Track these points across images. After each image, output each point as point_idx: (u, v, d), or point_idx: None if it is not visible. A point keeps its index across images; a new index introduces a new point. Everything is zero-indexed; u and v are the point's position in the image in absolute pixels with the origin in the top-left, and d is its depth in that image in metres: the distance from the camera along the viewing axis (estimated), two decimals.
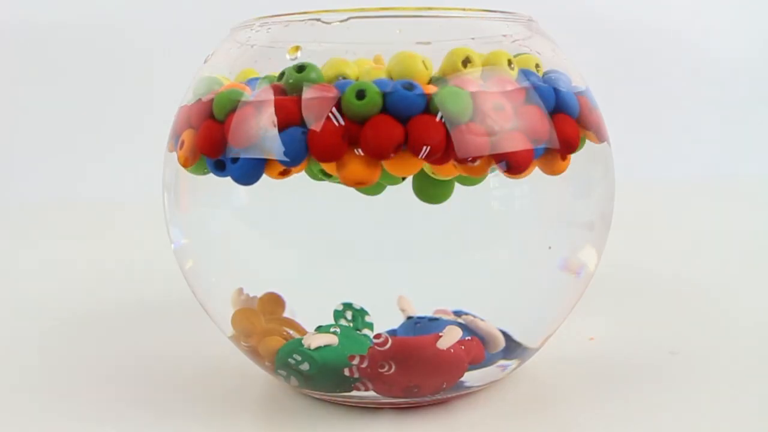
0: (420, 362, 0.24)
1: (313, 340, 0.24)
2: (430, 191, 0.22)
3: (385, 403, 0.25)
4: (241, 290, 0.25)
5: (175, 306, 0.38)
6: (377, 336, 0.24)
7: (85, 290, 0.43)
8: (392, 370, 0.23)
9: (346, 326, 0.25)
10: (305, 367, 0.24)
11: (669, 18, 0.90)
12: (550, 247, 0.24)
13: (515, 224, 0.24)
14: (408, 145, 0.21)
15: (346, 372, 0.24)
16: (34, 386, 0.29)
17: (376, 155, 0.21)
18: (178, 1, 0.82)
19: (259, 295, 0.25)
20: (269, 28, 0.25)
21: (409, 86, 0.21)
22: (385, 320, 0.25)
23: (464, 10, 0.24)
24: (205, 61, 0.26)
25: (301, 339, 0.24)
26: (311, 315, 0.25)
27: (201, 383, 0.29)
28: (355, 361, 0.24)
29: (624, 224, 0.35)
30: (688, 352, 0.30)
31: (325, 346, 0.24)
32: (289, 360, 0.24)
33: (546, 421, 0.25)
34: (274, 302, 0.26)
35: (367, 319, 0.25)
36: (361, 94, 0.21)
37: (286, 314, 0.26)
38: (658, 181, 0.77)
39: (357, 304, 0.25)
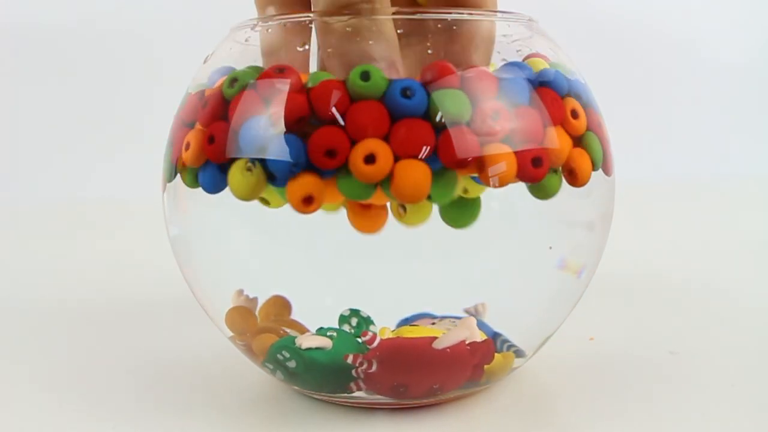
0: (407, 362, 0.24)
1: (306, 341, 0.24)
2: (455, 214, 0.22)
3: (383, 403, 0.25)
4: (240, 291, 0.25)
5: (174, 306, 0.38)
6: (364, 333, 0.24)
7: (82, 290, 0.43)
8: (373, 368, 0.23)
9: (344, 331, 0.25)
10: (292, 364, 0.24)
11: (669, 18, 0.90)
12: (550, 247, 0.24)
13: (515, 224, 0.24)
14: (390, 141, 0.21)
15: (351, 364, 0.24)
16: (34, 386, 0.29)
17: (357, 135, 0.21)
18: (179, 1, 0.82)
19: (259, 295, 0.25)
20: (269, 28, 0.25)
21: (409, 89, 0.21)
22: (384, 320, 0.25)
23: (465, 10, 0.24)
24: (205, 61, 0.26)
25: (295, 337, 0.24)
26: (312, 315, 0.25)
27: (200, 383, 0.29)
28: (349, 360, 0.24)
29: (624, 224, 0.35)
30: (688, 352, 0.30)
31: (317, 348, 0.24)
32: (278, 356, 0.24)
33: (546, 421, 0.25)
34: (280, 305, 0.26)
35: (372, 328, 0.25)
36: (365, 76, 0.21)
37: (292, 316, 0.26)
38: (658, 181, 0.77)
39: (364, 312, 0.25)
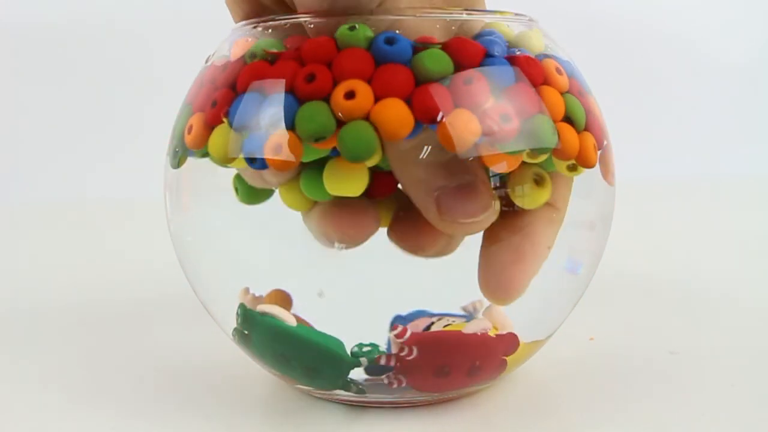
0: (446, 343, 0.24)
1: (266, 308, 0.25)
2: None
3: (384, 402, 0.25)
4: (247, 290, 0.25)
5: (176, 306, 0.38)
6: (394, 327, 0.24)
7: (84, 290, 0.43)
8: (414, 354, 0.24)
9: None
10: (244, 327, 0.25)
11: (669, 18, 0.91)
12: (549, 247, 0.24)
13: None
14: (372, 84, 0.21)
15: (382, 361, 0.24)
16: (35, 386, 0.29)
17: (341, 77, 0.21)
18: (180, 1, 0.82)
19: (263, 294, 0.25)
20: (270, 29, 0.25)
21: (393, 38, 0.21)
22: (383, 318, 0.25)
23: (464, 10, 0.24)
24: (207, 61, 0.26)
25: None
26: (314, 314, 0.25)
27: (201, 383, 0.29)
28: (382, 360, 0.24)
29: (624, 224, 0.35)
30: (688, 352, 0.30)
31: (271, 315, 0.24)
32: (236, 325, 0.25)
33: (546, 421, 0.25)
34: (281, 299, 0.26)
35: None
36: (353, 27, 0.22)
37: (293, 311, 0.26)
38: (658, 181, 0.77)
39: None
